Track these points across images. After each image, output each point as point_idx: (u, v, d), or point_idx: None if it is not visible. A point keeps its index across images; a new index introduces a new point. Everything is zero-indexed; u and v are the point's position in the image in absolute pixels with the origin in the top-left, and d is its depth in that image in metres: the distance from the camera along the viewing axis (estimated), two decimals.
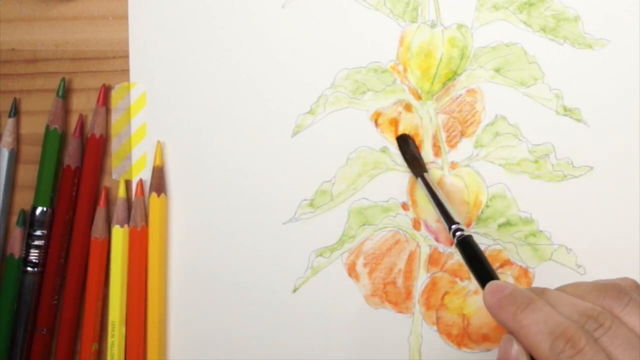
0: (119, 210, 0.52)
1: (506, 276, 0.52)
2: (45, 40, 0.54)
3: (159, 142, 0.53)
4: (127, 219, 0.52)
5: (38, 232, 0.52)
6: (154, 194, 0.52)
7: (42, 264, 0.52)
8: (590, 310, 0.40)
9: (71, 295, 0.52)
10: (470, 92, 0.52)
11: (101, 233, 0.52)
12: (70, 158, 0.52)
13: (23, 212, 0.53)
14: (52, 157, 0.52)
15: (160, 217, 0.52)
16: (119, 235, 0.52)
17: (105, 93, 0.53)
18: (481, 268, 0.45)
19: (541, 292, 0.42)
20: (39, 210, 0.52)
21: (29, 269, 0.52)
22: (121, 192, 0.53)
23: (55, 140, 0.52)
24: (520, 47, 0.52)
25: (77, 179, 0.53)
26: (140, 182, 0.53)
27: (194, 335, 0.53)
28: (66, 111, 0.54)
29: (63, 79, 0.53)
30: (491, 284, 0.43)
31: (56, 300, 0.53)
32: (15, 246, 0.52)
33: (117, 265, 0.52)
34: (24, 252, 0.52)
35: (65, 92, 0.53)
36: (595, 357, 0.38)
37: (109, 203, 0.53)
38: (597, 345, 0.39)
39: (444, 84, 0.52)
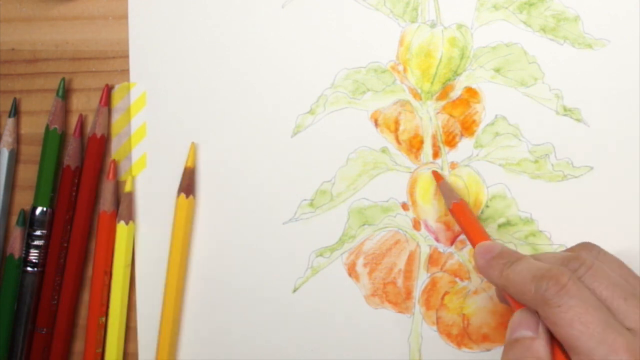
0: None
1: None
2: (45, 40, 0.54)
3: (193, 143, 0.53)
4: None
5: (38, 232, 0.52)
6: (182, 195, 0.52)
7: (42, 264, 0.52)
8: (571, 255, 0.43)
9: (68, 294, 0.52)
10: (470, 92, 0.52)
11: (110, 207, 0.52)
12: (70, 158, 0.52)
13: (23, 212, 0.53)
14: (52, 157, 0.52)
15: (187, 218, 0.52)
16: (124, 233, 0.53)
17: (108, 93, 0.53)
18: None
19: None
20: (39, 210, 0.52)
21: (29, 269, 0.52)
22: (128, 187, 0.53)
23: (55, 140, 0.52)
24: (520, 47, 0.52)
25: (77, 179, 0.53)
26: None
27: (194, 334, 0.53)
28: (66, 111, 0.54)
29: (63, 79, 0.53)
30: (480, 245, 0.46)
31: (56, 300, 0.53)
32: (15, 246, 0.52)
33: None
34: (24, 252, 0.52)
35: (65, 92, 0.53)
36: (579, 292, 0.40)
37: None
38: (580, 282, 0.40)
39: (444, 84, 0.52)
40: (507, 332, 0.42)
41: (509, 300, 0.44)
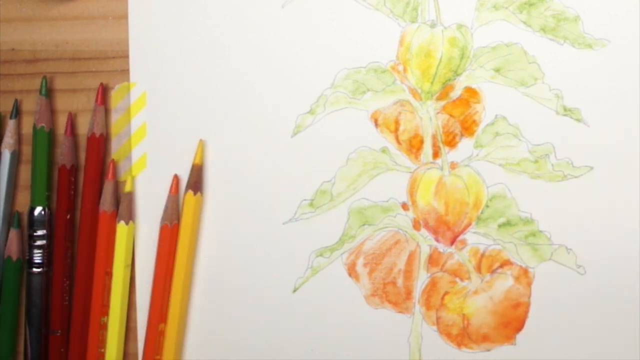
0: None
1: (506, 276, 0.52)
2: (45, 40, 0.54)
3: (201, 140, 0.53)
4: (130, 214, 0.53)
5: (39, 232, 0.52)
6: (190, 192, 0.52)
7: (46, 263, 0.52)
8: None
9: (80, 294, 0.52)
10: (470, 92, 0.52)
11: (109, 207, 0.52)
12: (64, 157, 0.52)
13: (17, 213, 0.53)
14: (43, 155, 0.52)
15: (194, 215, 0.52)
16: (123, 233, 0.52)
17: (104, 92, 0.53)
18: None
19: None
20: (37, 210, 0.52)
21: (34, 269, 0.52)
22: (128, 187, 0.53)
23: (43, 139, 0.52)
24: (520, 47, 0.52)
25: (74, 177, 0.52)
26: (176, 178, 0.53)
27: (193, 334, 0.53)
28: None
29: (44, 78, 0.53)
30: None
31: (67, 300, 0.52)
32: (12, 248, 0.52)
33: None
34: (27, 253, 0.52)
35: (49, 91, 0.53)
36: None
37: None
38: None
39: (444, 84, 0.52)
40: None
41: None
